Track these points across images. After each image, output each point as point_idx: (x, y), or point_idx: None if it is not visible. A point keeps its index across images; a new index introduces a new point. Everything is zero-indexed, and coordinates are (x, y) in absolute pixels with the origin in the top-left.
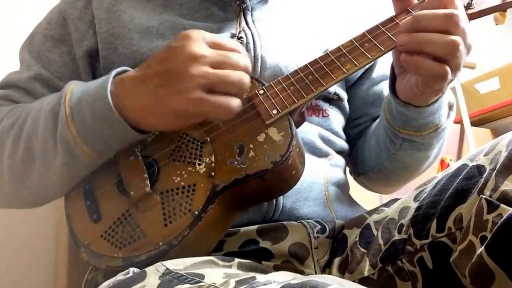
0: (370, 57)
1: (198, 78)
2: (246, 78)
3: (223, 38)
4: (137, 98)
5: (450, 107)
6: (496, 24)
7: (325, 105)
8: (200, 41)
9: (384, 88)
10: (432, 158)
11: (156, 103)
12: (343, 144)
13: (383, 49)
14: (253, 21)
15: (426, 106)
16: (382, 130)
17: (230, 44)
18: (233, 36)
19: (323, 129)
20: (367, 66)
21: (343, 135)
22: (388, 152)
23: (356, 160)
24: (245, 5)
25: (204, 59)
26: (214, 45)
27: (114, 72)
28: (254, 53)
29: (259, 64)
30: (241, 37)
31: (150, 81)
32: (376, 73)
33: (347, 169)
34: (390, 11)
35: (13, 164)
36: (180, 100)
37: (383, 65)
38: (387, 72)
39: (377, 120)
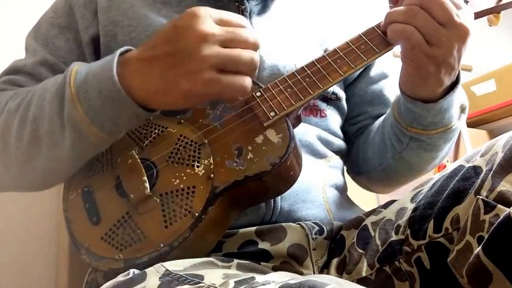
0: (366, 60)
1: (210, 58)
2: (256, 56)
3: (229, 13)
4: (146, 80)
5: (463, 110)
6: (490, 26)
7: (323, 105)
8: (207, 18)
9: (383, 87)
10: (438, 160)
11: (166, 86)
12: (341, 143)
13: (379, 52)
14: (251, 22)
15: (433, 103)
16: (389, 128)
17: (237, 20)
18: None
19: (321, 130)
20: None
21: (341, 135)
22: (394, 150)
23: (357, 158)
24: (243, 7)
25: (213, 38)
26: (221, 22)
27: (118, 52)
28: None
29: None
30: None
31: (158, 63)
32: (374, 72)
33: (345, 168)
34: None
35: (20, 145)
36: (191, 81)
37: (382, 64)
38: (386, 70)
39: (381, 118)
